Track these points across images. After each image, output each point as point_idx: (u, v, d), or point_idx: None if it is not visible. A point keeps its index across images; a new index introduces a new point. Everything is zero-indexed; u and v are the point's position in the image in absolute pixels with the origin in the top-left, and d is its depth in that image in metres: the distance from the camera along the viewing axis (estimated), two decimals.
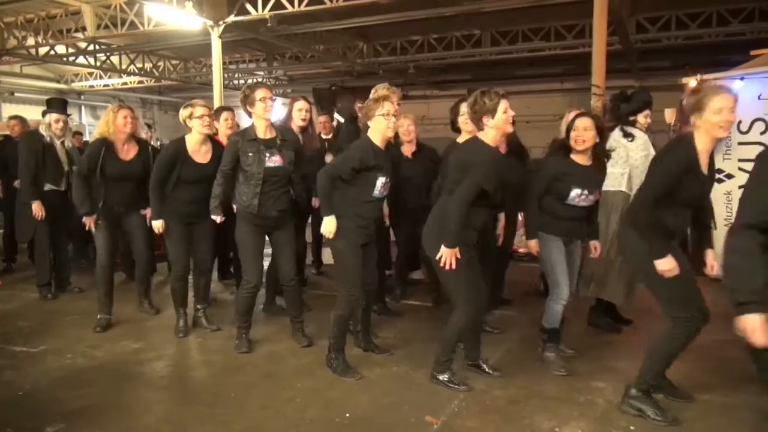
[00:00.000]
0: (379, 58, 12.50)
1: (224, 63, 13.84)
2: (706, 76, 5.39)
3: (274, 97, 3.71)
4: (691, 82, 5.31)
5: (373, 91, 3.46)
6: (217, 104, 8.82)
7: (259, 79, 15.70)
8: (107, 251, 4.34)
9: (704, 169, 2.69)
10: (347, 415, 2.91)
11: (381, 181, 3.28)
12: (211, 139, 4.10)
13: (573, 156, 3.38)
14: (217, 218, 3.80)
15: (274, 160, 3.65)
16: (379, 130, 3.26)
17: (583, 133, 3.32)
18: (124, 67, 12.81)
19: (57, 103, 5.14)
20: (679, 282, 2.67)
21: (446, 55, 12.20)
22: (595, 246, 3.57)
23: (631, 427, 2.72)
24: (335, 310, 3.38)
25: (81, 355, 3.81)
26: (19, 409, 3.06)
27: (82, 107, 15.99)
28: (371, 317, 3.86)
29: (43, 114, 5.12)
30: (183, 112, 3.95)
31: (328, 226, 3.25)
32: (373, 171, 3.24)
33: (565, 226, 3.42)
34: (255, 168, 3.60)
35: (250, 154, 3.60)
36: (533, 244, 3.45)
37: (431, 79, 14.34)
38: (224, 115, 4.69)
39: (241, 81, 15.36)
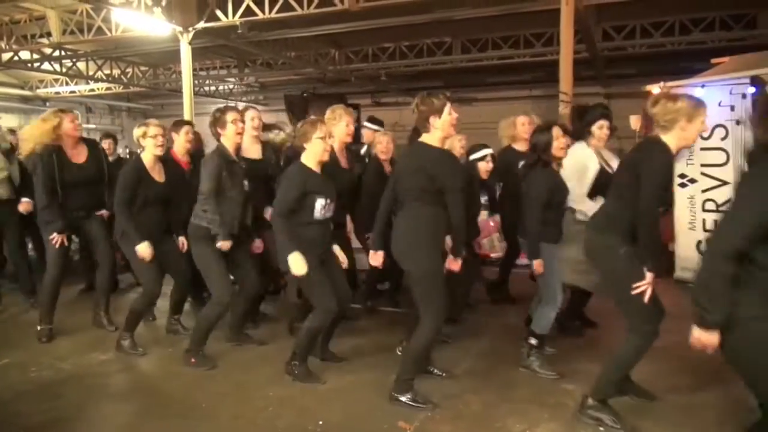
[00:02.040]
0: (350, 65, 12.53)
1: (194, 69, 13.72)
2: (669, 84, 5.55)
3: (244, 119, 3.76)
4: (655, 89, 5.45)
5: (329, 111, 3.52)
6: (187, 111, 8.73)
7: (230, 86, 15.62)
8: (62, 264, 4.21)
9: None
10: (320, 422, 2.90)
11: (320, 203, 3.27)
12: (161, 159, 4.02)
13: (554, 165, 3.46)
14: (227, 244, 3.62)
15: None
16: (315, 153, 3.29)
17: (563, 140, 3.42)
18: (91, 73, 12.59)
19: None
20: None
21: (417, 63, 12.30)
22: None
23: (600, 428, 2.77)
24: (308, 321, 3.37)
25: (47, 367, 3.72)
26: None
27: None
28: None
29: None
30: (137, 132, 3.91)
31: (297, 265, 3.17)
32: (311, 195, 3.25)
33: (558, 232, 3.49)
34: (237, 190, 3.61)
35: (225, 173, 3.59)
36: (539, 264, 3.40)
37: (403, 86, 14.42)
38: (184, 128, 4.46)
39: (212, 87, 15.26)
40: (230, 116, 3.63)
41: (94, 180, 4.28)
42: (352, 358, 3.76)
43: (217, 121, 3.64)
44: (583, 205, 3.65)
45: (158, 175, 3.94)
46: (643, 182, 2.60)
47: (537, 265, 3.40)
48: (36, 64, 11.53)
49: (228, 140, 3.65)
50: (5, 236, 5.13)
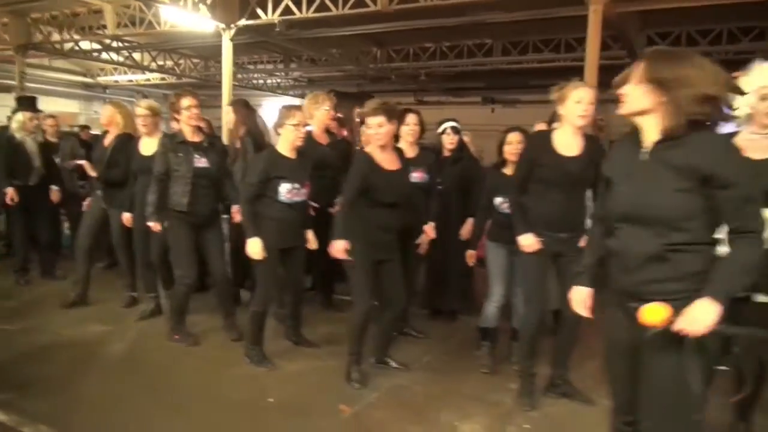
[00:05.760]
0: (391, 63, 12.71)
1: (243, 63, 14.30)
2: None
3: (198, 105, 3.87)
4: None
5: (310, 96, 3.72)
6: (225, 104, 9.15)
7: (278, 81, 16.12)
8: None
9: (569, 152, 2.94)
10: (270, 400, 3.15)
11: (285, 187, 3.47)
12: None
13: (505, 169, 3.57)
14: (155, 225, 3.90)
15: (203, 161, 3.86)
16: (287, 139, 3.51)
17: (518, 146, 3.52)
18: (145, 63, 13.28)
19: (28, 102, 5.44)
20: None
21: (457, 63, 12.34)
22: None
23: (526, 426, 2.89)
24: (251, 305, 3.64)
25: (51, 333, 4.12)
26: None
27: (107, 101, 16.58)
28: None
29: (14, 112, 5.37)
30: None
31: (253, 249, 3.44)
32: (276, 179, 3.46)
33: (505, 234, 3.55)
34: (185, 168, 3.80)
35: (180, 155, 3.81)
36: (470, 255, 3.81)
37: (444, 86, 14.50)
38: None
39: (260, 81, 15.78)
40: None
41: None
42: (324, 345, 3.98)
43: (173, 106, 3.86)
44: None
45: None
46: None
47: (468, 255, 3.83)
48: (95, 54, 12.27)
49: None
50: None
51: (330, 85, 15.39)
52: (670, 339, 1.71)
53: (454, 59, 12.25)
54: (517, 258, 3.21)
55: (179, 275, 3.92)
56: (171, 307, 4.06)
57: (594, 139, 3.04)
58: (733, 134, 2.56)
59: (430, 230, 3.81)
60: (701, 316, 1.67)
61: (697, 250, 1.74)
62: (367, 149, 3.30)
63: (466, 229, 4.28)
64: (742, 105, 2.47)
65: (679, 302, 1.70)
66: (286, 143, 3.55)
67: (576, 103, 2.86)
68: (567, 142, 2.94)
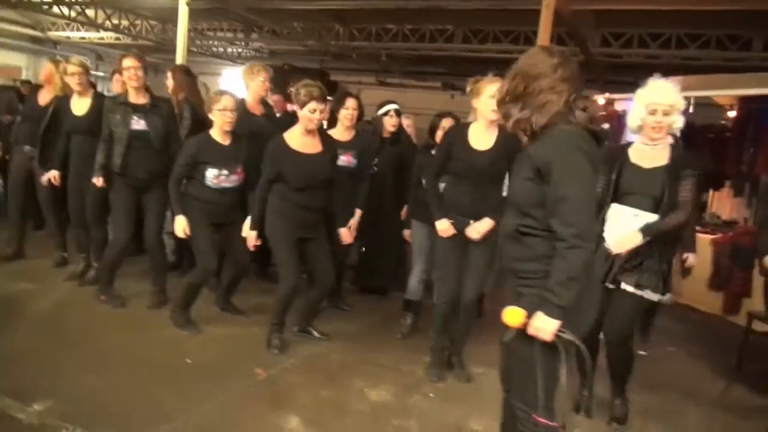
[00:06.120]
0: (353, 42, 12.67)
1: (203, 30, 14.01)
2: (613, 96, 5.72)
3: (141, 66, 3.82)
4: (600, 99, 5.63)
5: (247, 66, 3.78)
6: None
7: (239, 50, 15.86)
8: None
9: (480, 146, 3.06)
10: (188, 361, 3.22)
11: (212, 173, 3.53)
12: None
13: (434, 151, 3.70)
14: (98, 180, 3.88)
15: (141, 124, 3.83)
16: (217, 124, 3.56)
17: None
18: (99, 21, 12.85)
19: None
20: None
21: (419, 47, 12.40)
22: None
23: (431, 394, 3.06)
24: (188, 276, 3.71)
25: None
26: None
27: (58, 58, 15.97)
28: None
29: None
30: None
31: (178, 226, 3.54)
32: (203, 164, 3.52)
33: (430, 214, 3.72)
34: (121, 130, 3.79)
35: (118, 116, 3.80)
36: (407, 233, 4.01)
37: (406, 68, 14.55)
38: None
39: (220, 49, 15.49)
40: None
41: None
42: (252, 313, 4.05)
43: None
44: None
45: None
46: None
47: (407, 233, 4.09)
48: (45, 7, 11.81)
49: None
50: None
51: (292, 59, 15.25)
52: (525, 338, 1.88)
53: (415, 42, 12.31)
54: (436, 240, 3.33)
55: (114, 236, 3.93)
56: (100, 267, 4.05)
57: (510, 132, 3.17)
58: (629, 144, 2.79)
59: (346, 235, 3.69)
60: (542, 326, 1.83)
61: (545, 236, 1.88)
62: (287, 133, 3.37)
63: (405, 211, 4.40)
64: (634, 117, 2.68)
65: (539, 281, 1.87)
66: (217, 128, 3.59)
67: (490, 98, 2.88)
68: (480, 135, 3.07)
